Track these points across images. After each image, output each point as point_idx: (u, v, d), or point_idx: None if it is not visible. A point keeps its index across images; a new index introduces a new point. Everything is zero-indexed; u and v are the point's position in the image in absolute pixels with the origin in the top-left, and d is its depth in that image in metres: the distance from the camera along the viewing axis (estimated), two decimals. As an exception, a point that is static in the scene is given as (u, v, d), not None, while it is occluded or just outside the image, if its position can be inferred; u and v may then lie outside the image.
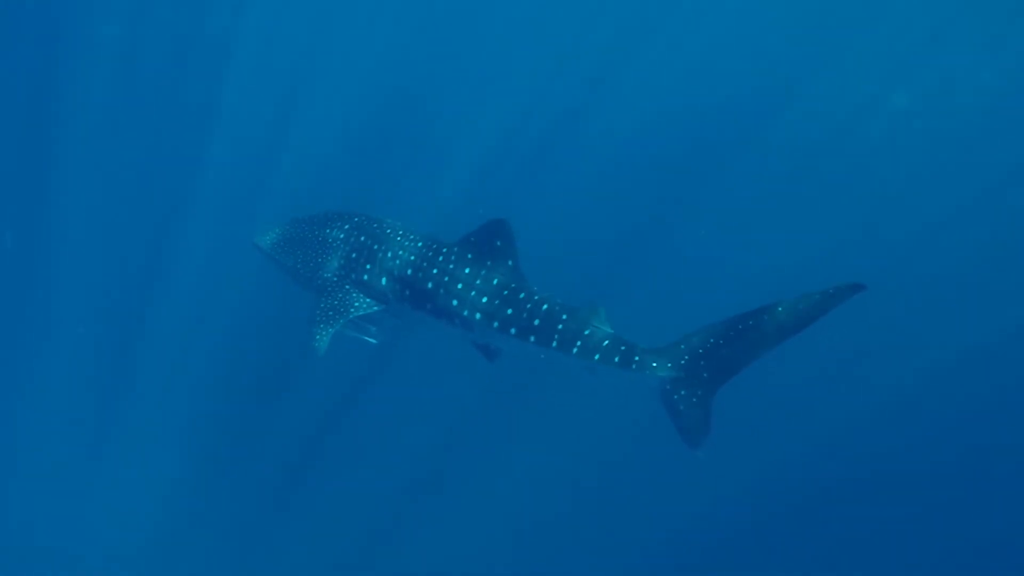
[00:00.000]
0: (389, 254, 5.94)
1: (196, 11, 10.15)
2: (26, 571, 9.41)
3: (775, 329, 4.81)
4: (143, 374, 10.15)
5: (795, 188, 10.46)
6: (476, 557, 9.81)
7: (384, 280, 5.93)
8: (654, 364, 5.09)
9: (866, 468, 9.75)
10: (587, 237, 9.92)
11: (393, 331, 6.40)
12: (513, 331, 5.44)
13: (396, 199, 9.38)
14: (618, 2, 10.43)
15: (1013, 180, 10.21)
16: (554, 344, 5.31)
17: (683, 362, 5.05)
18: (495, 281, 5.55)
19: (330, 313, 5.81)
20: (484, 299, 5.53)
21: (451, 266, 5.67)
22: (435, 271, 5.71)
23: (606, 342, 5.21)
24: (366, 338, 6.19)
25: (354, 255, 6.07)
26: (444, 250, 5.77)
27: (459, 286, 5.61)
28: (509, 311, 5.45)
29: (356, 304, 5.91)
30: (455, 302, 5.61)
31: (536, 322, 5.36)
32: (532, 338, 5.37)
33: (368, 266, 6.00)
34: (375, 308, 5.94)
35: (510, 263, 5.58)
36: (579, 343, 5.24)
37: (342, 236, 6.20)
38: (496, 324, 5.49)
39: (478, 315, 5.54)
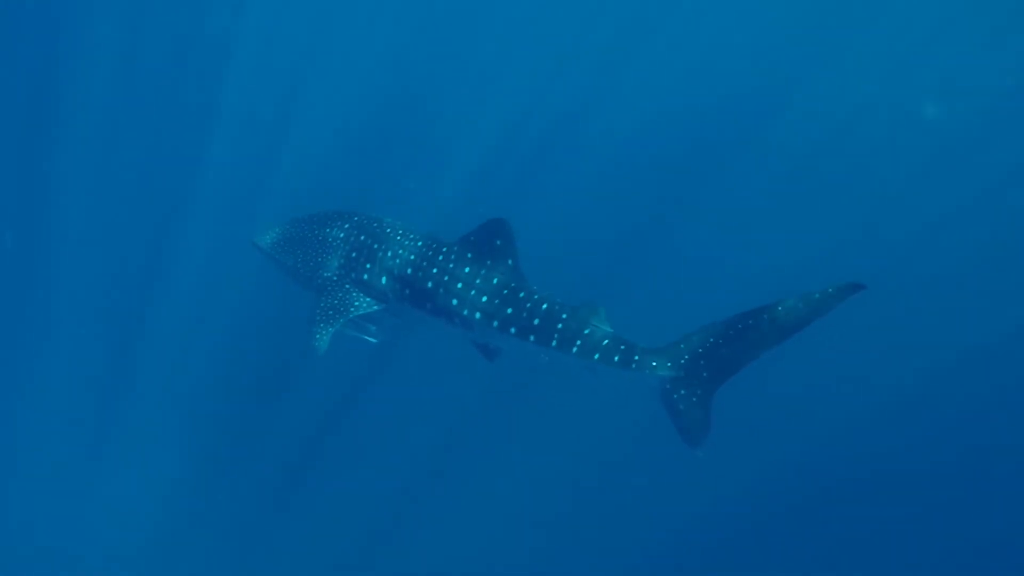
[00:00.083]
0: (389, 253, 5.94)
1: (196, 11, 10.16)
2: (26, 571, 9.40)
3: (775, 329, 4.81)
4: (143, 374, 10.14)
5: (795, 188, 10.47)
6: (476, 557, 9.81)
7: (384, 279, 5.94)
8: (654, 363, 5.10)
9: (866, 468, 9.75)
10: (587, 237, 9.93)
11: (393, 330, 6.40)
12: (513, 330, 5.44)
13: (396, 198, 9.37)
14: (619, 1, 10.44)
15: (1013, 180, 10.21)
16: (554, 343, 5.31)
17: (683, 361, 5.06)
18: (495, 280, 5.55)
19: (330, 312, 5.82)
20: (484, 298, 5.53)
21: (451, 265, 5.68)
22: (435, 270, 5.71)
23: (606, 341, 5.21)
24: (366, 337, 6.19)
25: (354, 254, 6.08)
26: (444, 249, 5.78)
27: (459, 285, 5.61)
28: (509, 310, 5.45)
29: (356, 303, 5.91)
30: (455, 301, 5.62)
31: (536, 321, 5.37)
32: (532, 337, 5.38)
33: (368, 265, 6.00)
34: (375, 307, 5.95)
35: (510, 262, 5.59)
36: (579, 342, 5.25)
37: (342, 235, 6.21)
38: (496, 323, 5.49)
39: (478, 314, 5.55)
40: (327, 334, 5.70)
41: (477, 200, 9.43)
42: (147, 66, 10.15)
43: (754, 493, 9.64)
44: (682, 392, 5.06)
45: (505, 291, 5.50)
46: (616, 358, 5.16)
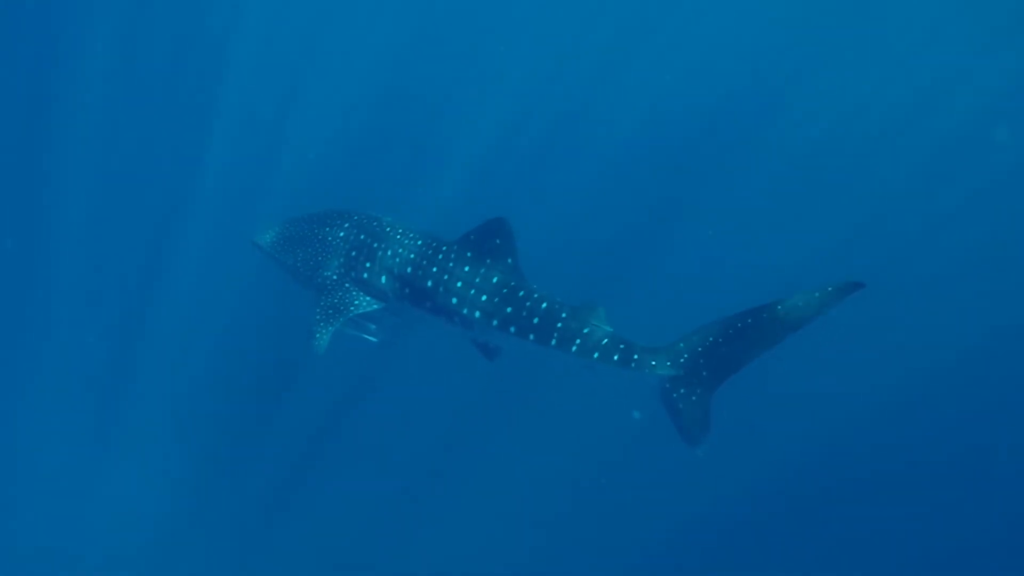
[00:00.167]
0: (389, 252, 5.94)
1: (195, 11, 10.17)
2: (26, 571, 9.39)
3: (774, 327, 4.82)
4: (143, 374, 10.15)
5: (794, 187, 10.47)
6: (476, 557, 9.79)
7: (384, 278, 5.94)
8: (653, 363, 5.09)
9: (866, 468, 9.75)
10: (586, 236, 9.93)
11: (393, 329, 6.40)
12: (512, 329, 5.44)
13: (396, 197, 9.37)
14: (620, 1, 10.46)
15: (1013, 179, 10.22)
16: (553, 342, 5.31)
17: (682, 360, 5.05)
18: (494, 279, 5.55)
19: (330, 311, 5.82)
20: (483, 297, 5.53)
21: (451, 264, 5.67)
22: (435, 269, 5.71)
23: (605, 340, 5.21)
24: (366, 336, 6.19)
25: (354, 253, 6.08)
26: (444, 248, 5.78)
27: (458, 284, 5.61)
28: (508, 309, 5.45)
29: (356, 302, 5.91)
30: (454, 300, 5.62)
31: (535, 320, 5.37)
32: (531, 336, 5.38)
33: (368, 264, 6.00)
34: (375, 306, 5.95)
35: (509, 261, 5.59)
36: (578, 341, 5.25)
37: (342, 234, 6.21)
38: (495, 322, 5.49)
39: (477, 313, 5.54)
40: (327, 333, 5.69)
41: (477, 199, 9.43)
42: (146, 67, 10.17)
43: (754, 493, 9.63)
44: (682, 391, 5.06)
45: (505, 290, 5.50)
46: (615, 357, 5.15)
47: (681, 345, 5.09)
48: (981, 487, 9.86)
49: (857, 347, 9.38)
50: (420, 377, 9.16)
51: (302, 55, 10.57)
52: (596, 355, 5.19)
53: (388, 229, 6.10)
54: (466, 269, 5.62)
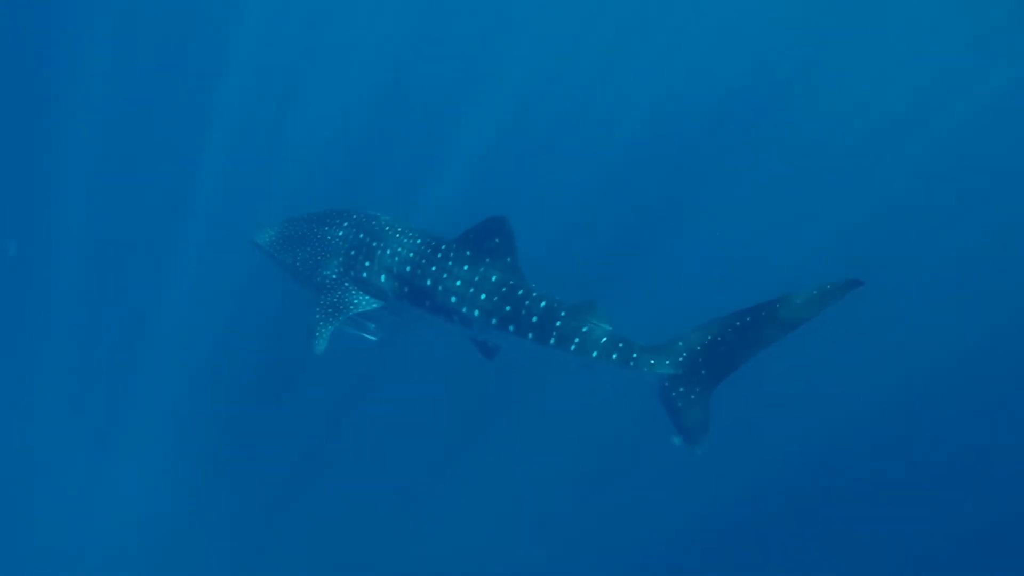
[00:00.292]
0: (388, 251, 5.95)
1: (194, 11, 10.19)
2: (26, 571, 9.39)
3: (773, 326, 4.81)
4: (143, 374, 10.15)
5: (794, 187, 10.47)
6: (476, 557, 9.79)
7: (383, 277, 5.94)
8: (652, 361, 5.08)
9: (866, 468, 9.74)
10: (586, 235, 9.93)
11: (392, 328, 6.40)
12: (511, 328, 5.44)
13: (395, 196, 9.38)
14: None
15: (1013, 179, 10.22)
16: (552, 341, 5.31)
17: (681, 359, 5.04)
18: (493, 278, 5.55)
19: (329, 311, 5.83)
20: (482, 296, 5.53)
21: (450, 263, 5.68)
22: (434, 268, 5.71)
23: (604, 339, 5.21)
24: (365, 335, 6.20)
25: (353, 252, 6.09)
26: (443, 247, 5.78)
27: (457, 283, 5.61)
28: (507, 308, 5.45)
29: (355, 301, 5.92)
30: (453, 299, 5.62)
31: (534, 319, 5.37)
32: (530, 335, 5.38)
33: (367, 263, 6.01)
34: (374, 305, 5.95)
35: (508, 260, 5.59)
36: (577, 340, 5.24)
37: (341, 233, 6.22)
38: (494, 321, 5.49)
39: (476, 312, 5.55)
40: (326, 332, 5.70)
41: (476, 198, 9.43)
42: (145, 66, 10.19)
43: (754, 493, 9.62)
44: (680, 390, 5.05)
45: (504, 289, 5.50)
46: (614, 356, 5.15)
47: (680, 344, 5.08)
48: (981, 487, 9.85)
49: (856, 346, 9.38)
50: (420, 376, 9.16)
51: (301, 54, 10.58)
52: (595, 354, 5.19)
53: (387, 228, 6.11)
54: (465, 268, 5.63)
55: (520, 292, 5.47)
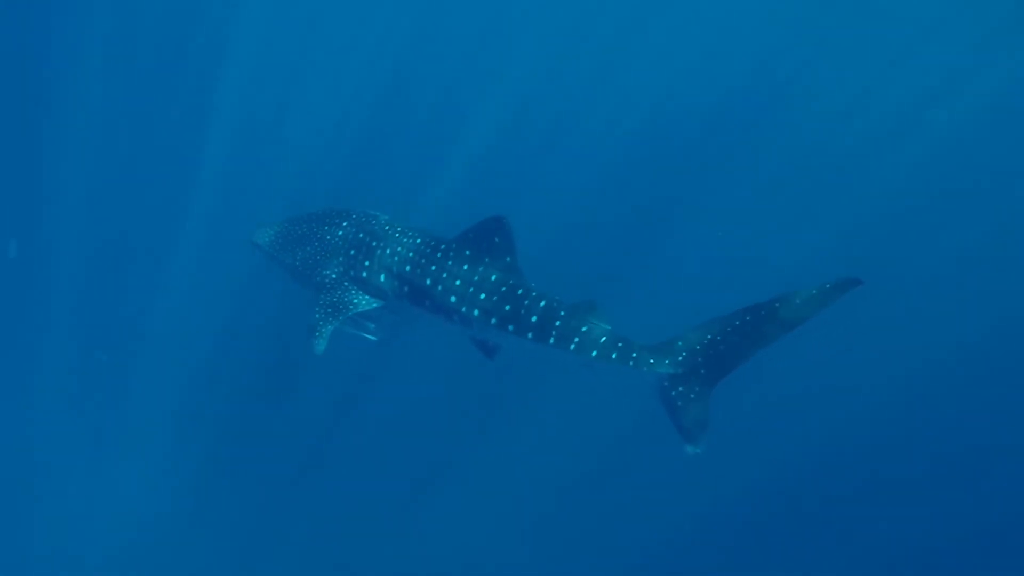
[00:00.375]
0: (388, 251, 5.95)
1: (193, 11, 10.19)
2: (26, 571, 9.39)
3: (773, 325, 4.80)
4: (143, 374, 10.16)
5: (793, 186, 10.47)
6: (476, 557, 9.79)
7: (383, 277, 5.94)
8: (651, 360, 5.08)
9: (866, 467, 9.73)
10: (585, 234, 9.93)
11: (392, 328, 6.40)
12: (511, 327, 5.44)
13: (395, 196, 9.38)
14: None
15: (1013, 179, 10.21)
16: (551, 341, 5.30)
17: (680, 358, 5.04)
18: (493, 278, 5.55)
19: (329, 310, 5.83)
20: (482, 295, 5.53)
21: (449, 262, 5.68)
22: (433, 267, 5.71)
23: (603, 339, 5.20)
24: (365, 335, 6.20)
25: (353, 252, 6.09)
26: (442, 246, 5.78)
27: (457, 283, 5.61)
28: (507, 308, 5.45)
29: (355, 301, 5.92)
30: (453, 298, 5.62)
31: (534, 319, 5.37)
32: (530, 335, 5.38)
33: (367, 263, 6.01)
34: (374, 305, 5.96)
35: (508, 260, 5.59)
36: (576, 340, 5.24)
37: (340, 233, 6.22)
38: (494, 320, 5.49)
39: (476, 311, 5.54)
40: (326, 332, 5.70)
41: (476, 197, 9.43)
42: (144, 66, 10.20)
43: (754, 493, 9.62)
44: (680, 389, 5.05)
45: (503, 288, 5.50)
46: (613, 355, 5.15)
47: (679, 343, 5.08)
48: (981, 487, 9.84)
49: (856, 346, 9.37)
50: (420, 376, 9.16)
51: (301, 54, 10.59)
52: (594, 353, 5.18)
53: (387, 227, 6.11)
54: (465, 267, 5.63)
55: (520, 291, 5.47)
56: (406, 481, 10.03)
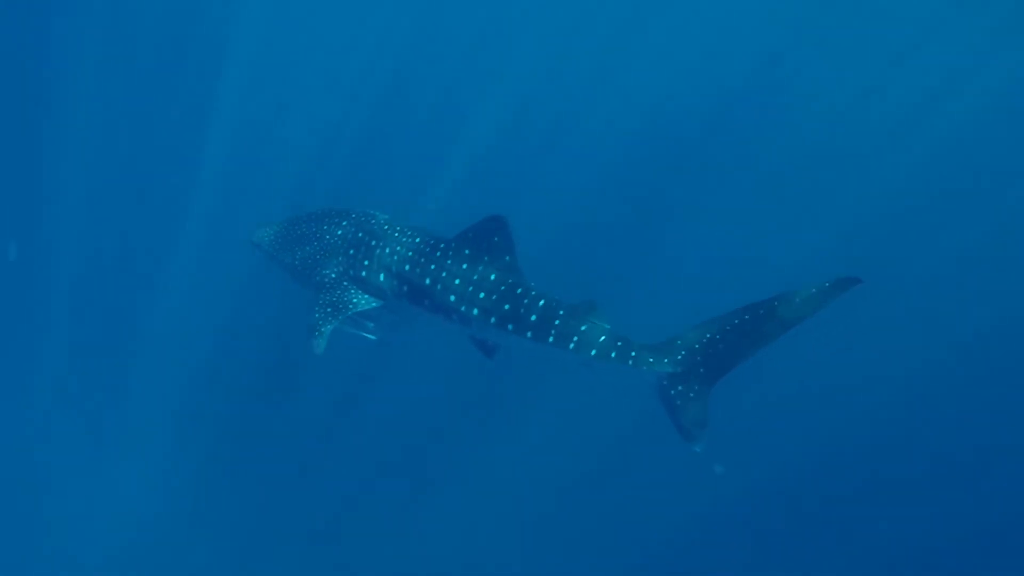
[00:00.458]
0: (387, 250, 5.95)
1: (193, 10, 10.20)
2: (26, 572, 9.39)
3: (772, 324, 4.81)
4: (143, 374, 10.16)
5: (793, 186, 10.47)
6: (476, 557, 9.78)
7: (382, 276, 5.94)
8: (651, 360, 5.08)
9: (866, 467, 9.73)
10: (585, 234, 9.93)
11: (391, 327, 6.40)
12: (510, 327, 5.44)
13: (395, 196, 9.39)
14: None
15: (1013, 179, 10.22)
16: (551, 340, 5.30)
17: (680, 357, 5.05)
18: (492, 277, 5.55)
19: (328, 310, 5.83)
20: (481, 295, 5.53)
21: (448, 262, 5.68)
22: (432, 267, 5.71)
23: (603, 338, 5.20)
24: (364, 334, 6.20)
25: (352, 251, 6.09)
26: (442, 246, 5.78)
27: (456, 282, 5.61)
28: (506, 307, 5.45)
29: (354, 300, 5.92)
30: (452, 298, 5.62)
31: (533, 318, 5.37)
32: (529, 334, 5.38)
33: (366, 262, 6.01)
34: (373, 304, 5.95)
35: (507, 259, 5.58)
36: (576, 339, 5.24)
37: (340, 232, 6.22)
38: (493, 320, 5.49)
39: (475, 311, 5.54)
40: (326, 332, 5.70)
41: (475, 197, 9.43)
42: (144, 66, 10.20)
43: (754, 493, 9.62)
44: (679, 388, 5.05)
45: (503, 287, 5.50)
46: (613, 354, 5.15)
47: (678, 342, 5.08)
48: (981, 487, 9.84)
49: (856, 345, 9.37)
50: (419, 376, 9.16)
51: (300, 54, 10.60)
52: (593, 352, 5.18)
53: (386, 227, 6.11)
54: (464, 267, 5.62)
55: (519, 291, 5.46)
56: (406, 481, 10.03)
